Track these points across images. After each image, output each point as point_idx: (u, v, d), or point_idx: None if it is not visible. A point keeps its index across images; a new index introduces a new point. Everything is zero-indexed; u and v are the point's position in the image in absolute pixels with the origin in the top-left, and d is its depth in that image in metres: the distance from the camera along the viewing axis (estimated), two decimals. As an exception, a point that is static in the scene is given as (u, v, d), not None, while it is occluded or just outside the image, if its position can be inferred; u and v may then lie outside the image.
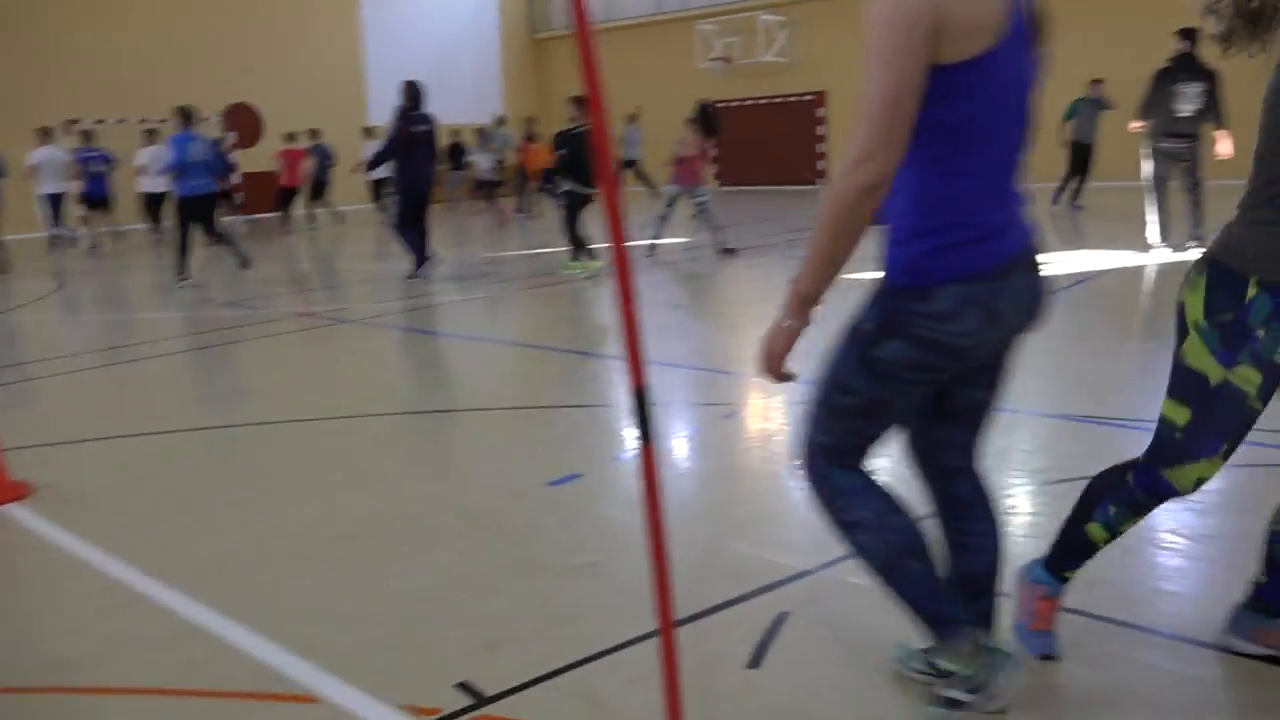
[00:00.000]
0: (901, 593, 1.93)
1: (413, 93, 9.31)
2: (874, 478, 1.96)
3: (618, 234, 1.61)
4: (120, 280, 11.82)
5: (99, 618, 2.79)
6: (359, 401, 5.34)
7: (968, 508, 2.05)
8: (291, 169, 18.12)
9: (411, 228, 9.54)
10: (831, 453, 1.92)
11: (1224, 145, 8.45)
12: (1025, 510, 3.29)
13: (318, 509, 3.61)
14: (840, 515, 1.93)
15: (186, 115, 9.93)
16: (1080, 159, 13.51)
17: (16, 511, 3.70)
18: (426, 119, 9.41)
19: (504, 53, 27.32)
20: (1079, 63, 16.96)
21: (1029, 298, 1.81)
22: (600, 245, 9.28)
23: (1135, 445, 3.83)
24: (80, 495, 3.91)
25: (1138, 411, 4.30)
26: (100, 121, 18.70)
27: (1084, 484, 2.22)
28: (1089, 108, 13.31)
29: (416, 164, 9.35)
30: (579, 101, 9.30)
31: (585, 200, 9.52)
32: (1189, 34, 8.53)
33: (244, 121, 20.64)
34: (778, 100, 23.61)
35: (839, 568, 2.81)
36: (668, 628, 1.81)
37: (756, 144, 24.05)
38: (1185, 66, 8.54)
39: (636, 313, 1.69)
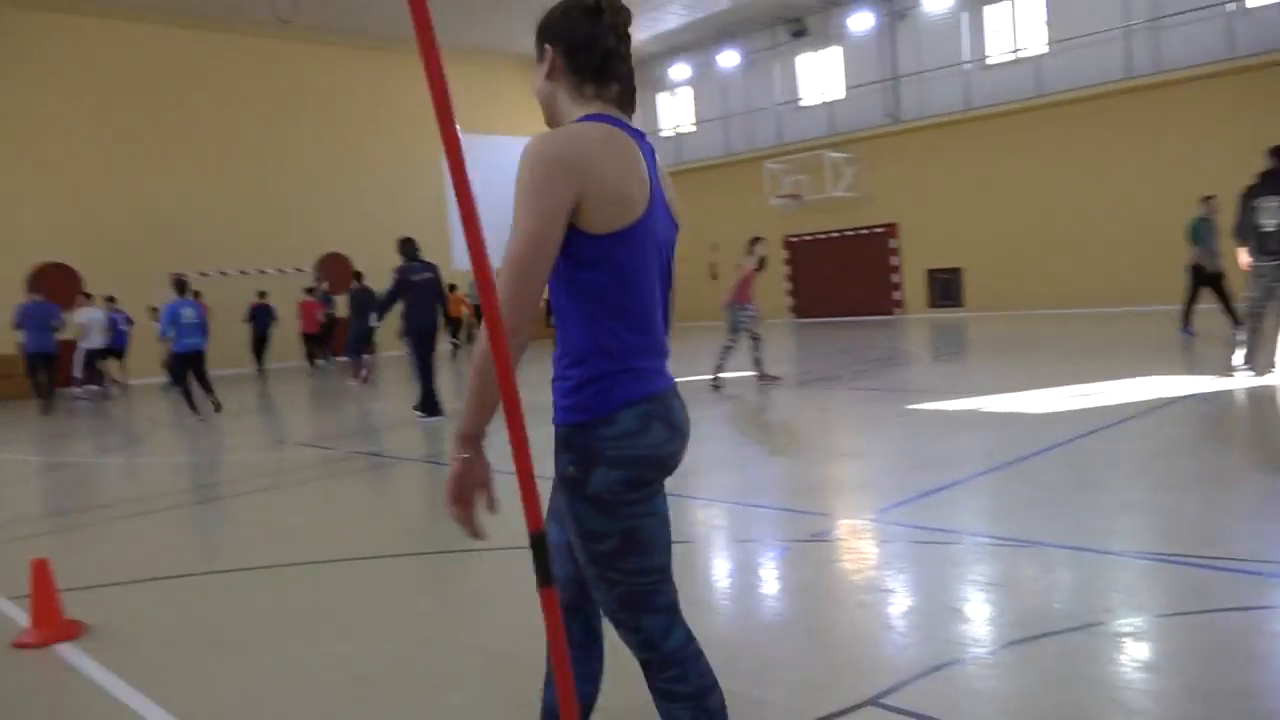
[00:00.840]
0: None
1: (408, 248, 10.49)
2: (697, 646, 2.00)
3: (505, 376, 1.64)
4: (172, 425, 12.36)
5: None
6: (402, 539, 5.39)
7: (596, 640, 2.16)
8: (309, 318, 20.03)
9: (426, 368, 10.37)
10: (636, 600, 1.93)
11: None
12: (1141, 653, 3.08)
13: (349, 649, 3.61)
14: (666, 685, 1.96)
15: (180, 285, 11.78)
16: (1201, 282, 12.03)
17: (66, 650, 3.79)
18: (428, 267, 10.43)
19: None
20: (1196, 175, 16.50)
21: (684, 421, 1.97)
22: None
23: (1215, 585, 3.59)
24: (128, 635, 3.99)
25: (1210, 549, 4.04)
26: (204, 274, 20.10)
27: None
28: (1207, 227, 11.88)
29: (419, 309, 10.25)
30: None
31: None
32: (1277, 152, 8.41)
33: (336, 269, 21.88)
34: (849, 233, 23.91)
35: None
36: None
37: (830, 276, 24.26)
38: (1269, 182, 8.34)
39: (530, 458, 1.73)
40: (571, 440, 1.87)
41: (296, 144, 22.30)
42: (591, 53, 1.88)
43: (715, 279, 25.30)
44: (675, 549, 4.89)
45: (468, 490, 1.84)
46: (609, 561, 1.91)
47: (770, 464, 6.97)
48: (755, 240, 11.24)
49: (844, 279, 23.97)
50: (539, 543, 1.79)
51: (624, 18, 1.92)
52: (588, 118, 1.87)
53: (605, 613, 2.01)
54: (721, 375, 11.14)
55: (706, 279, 26.12)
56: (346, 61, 23.02)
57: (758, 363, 11.09)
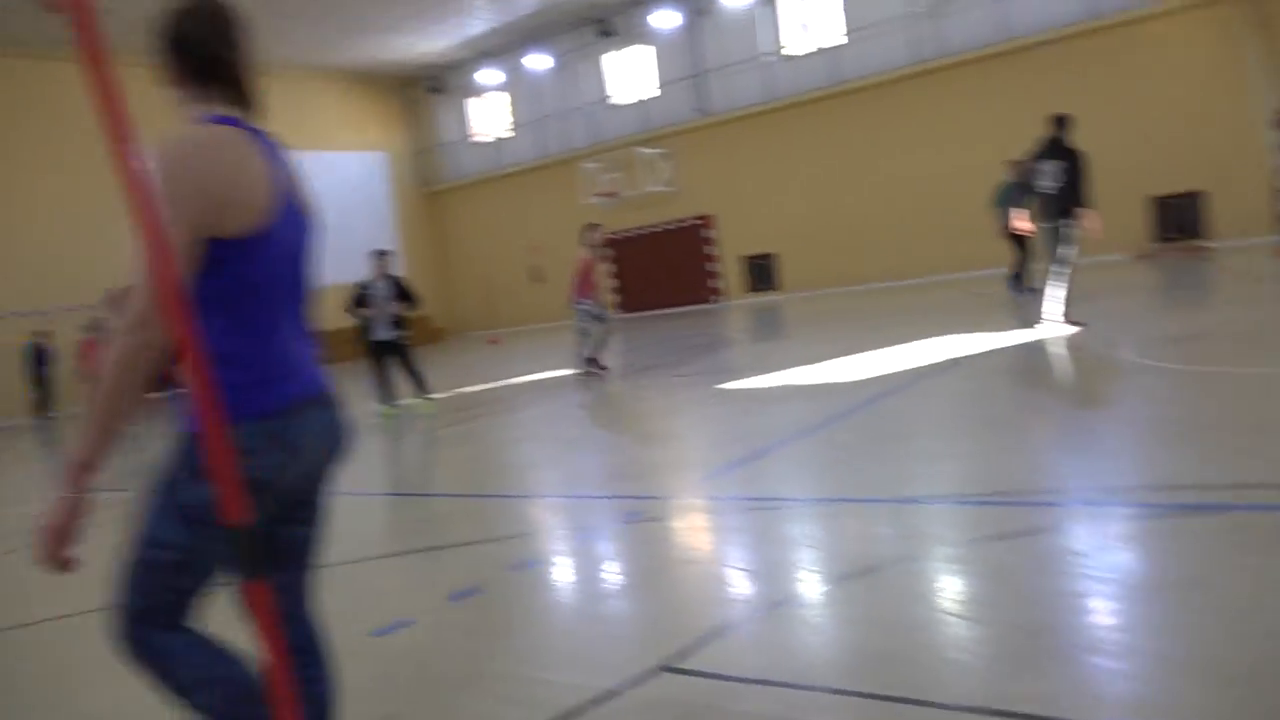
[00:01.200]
0: None
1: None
2: (194, 633, 1.87)
3: (202, 380, 1.51)
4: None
5: None
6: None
7: (302, 654, 2.01)
8: (89, 357, 18.30)
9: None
10: (146, 615, 1.83)
11: (1090, 222, 8.78)
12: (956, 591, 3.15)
13: (126, 696, 3.27)
14: (170, 682, 1.85)
15: None
16: (1020, 242, 12.43)
17: None
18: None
19: (398, 207, 27.73)
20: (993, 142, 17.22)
21: (325, 432, 1.92)
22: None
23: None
24: None
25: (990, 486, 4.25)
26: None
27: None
28: (1015, 191, 11.77)
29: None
30: (381, 255, 9.95)
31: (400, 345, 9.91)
32: (1059, 120, 8.87)
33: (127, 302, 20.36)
34: (667, 227, 24.30)
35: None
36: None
37: (652, 270, 24.59)
38: (1048, 147, 8.83)
39: (229, 451, 1.64)
40: (187, 445, 1.77)
41: (69, 169, 20.54)
42: (198, 53, 1.88)
43: (543, 281, 25.22)
44: (497, 546, 4.71)
45: (74, 533, 1.73)
46: (154, 571, 1.79)
47: (590, 454, 6.91)
48: (586, 228, 11.00)
49: (665, 272, 24.36)
50: (241, 536, 1.64)
51: (224, 17, 1.89)
52: (211, 119, 1.83)
53: (112, 613, 1.84)
54: (596, 369, 10.84)
55: (527, 283, 26.04)
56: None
57: (585, 358, 10.98)
